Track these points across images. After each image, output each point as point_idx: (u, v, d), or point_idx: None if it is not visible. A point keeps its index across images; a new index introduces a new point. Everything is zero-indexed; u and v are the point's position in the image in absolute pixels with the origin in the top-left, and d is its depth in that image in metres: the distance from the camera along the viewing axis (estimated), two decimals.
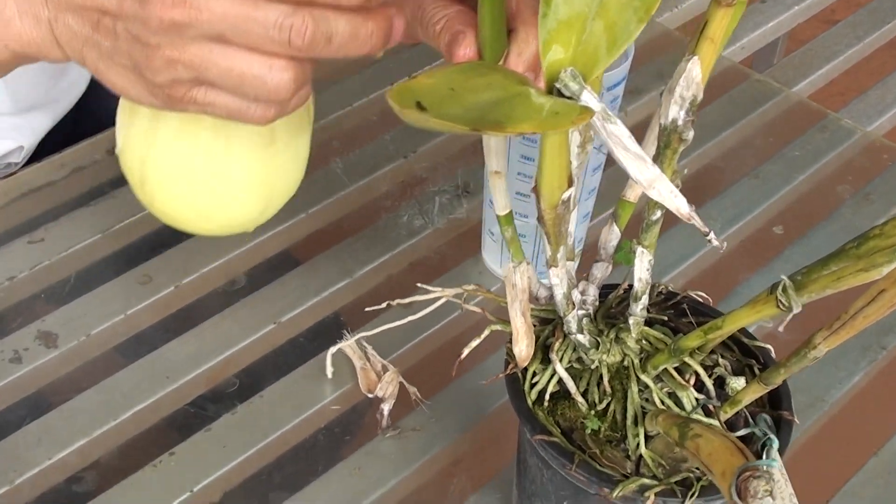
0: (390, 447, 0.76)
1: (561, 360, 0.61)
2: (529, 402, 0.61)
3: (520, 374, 0.62)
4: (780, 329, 0.55)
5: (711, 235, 0.52)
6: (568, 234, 0.58)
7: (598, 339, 0.61)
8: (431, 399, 0.79)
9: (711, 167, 1.01)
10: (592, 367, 0.61)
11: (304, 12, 0.53)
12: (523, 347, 0.62)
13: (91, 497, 0.72)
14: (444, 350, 0.83)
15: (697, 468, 0.57)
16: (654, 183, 0.50)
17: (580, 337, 0.61)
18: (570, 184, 0.55)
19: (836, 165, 1.01)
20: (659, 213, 0.57)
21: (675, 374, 0.60)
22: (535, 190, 0.55)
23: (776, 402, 0.61)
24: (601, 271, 0.63)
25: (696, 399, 0.59)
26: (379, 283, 0.88)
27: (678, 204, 0.51)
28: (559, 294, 0.60)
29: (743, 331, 0.62)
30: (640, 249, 0.58)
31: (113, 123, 0.68)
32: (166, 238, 0.90)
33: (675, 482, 0.57)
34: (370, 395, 0.78)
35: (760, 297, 0.53)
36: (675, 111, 0.52)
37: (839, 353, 0.83)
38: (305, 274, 0.87)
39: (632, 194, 0.60)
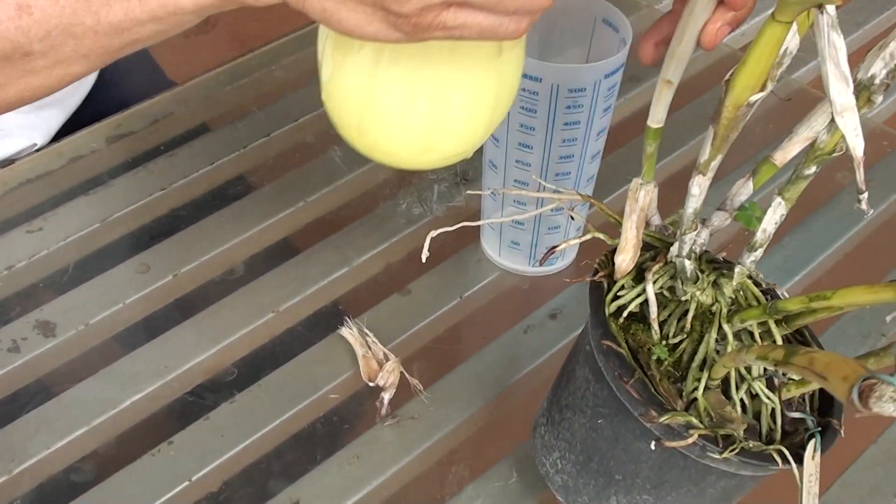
0: (389, 436, 0.76)
1: (654, 283, 0.62)
2: (607, 312, 0.61)
3: (605, 284, 0.63)
4: (888, 319, 0.56)
5: (864, 197, 0.52)
6: (727, 144, 0.57)
7: (700, 274, 0.61)
8: (431, 388, 0.79)
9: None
10: (683, 299, 0.61)
11: None
12: (627, 258, 0.62)
13: (90, 486, 0.72)
14: (443, 338, 0.83)
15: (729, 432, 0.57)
16: (845, 112, 0.50)
17: (687, 263, 0.61)
18: (763, 88, 0.54)
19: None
20: (813, 170, 0.56)
21: (756, 334, 0.60)
22: (727, 83, 0.54)
23: (826, 407, 0.61)
24: (719, 220, 0.62)
25: (765, 368, 0.60)
26: (378, 272, 0.87)
27: (857, 143, 0.50)
28: (691, 207, 0.59)
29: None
30: (778, 200, 0.58)
31: (119, 112, 0.67)
32: (165, 227, 0.89)
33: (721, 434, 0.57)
34: (371, 384, 0.78)
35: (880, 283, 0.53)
36: (879, 67, 0.51)
37: (838, 341, 0.83)
38: (304, 263, 0.87)
39: (780, 157, 0.59)
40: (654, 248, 0.64)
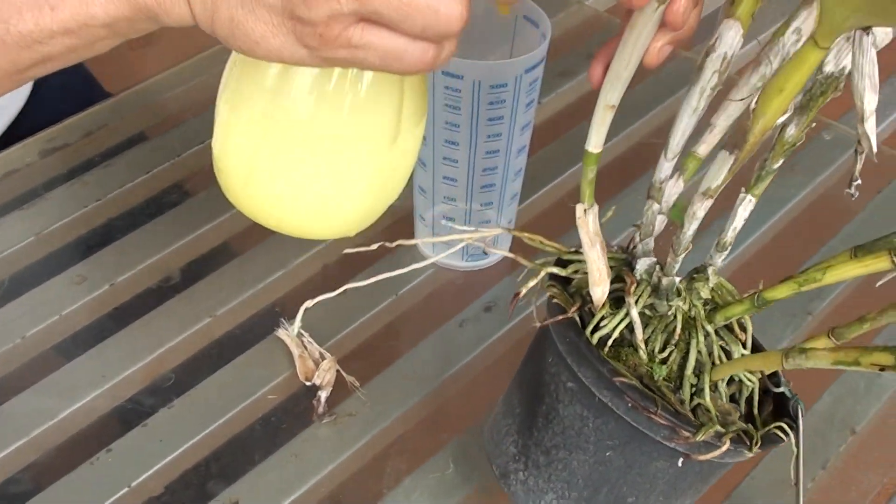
0: (327, 433, 0.77)
1: (636, 304, 0.61)
2: (595, 342, 0.61)
3: (577, 320, 0.62)
4: (878, 284, 0.55)
5: (857, 183, 0.55)
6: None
7: (680, 286, 0.62)
8: (367, 385, 0.80)
9: (642, 144, 1.02)
10: (668, 313, 0.62)
11: None
12: (605, 289, 0.62)
13: (29, 497, 0.72)
14: (380, 335, 0.84)
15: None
16: (871, 117, 0.51)
17: (666, 280, 0.61)
18: (786, 111, 0.55)
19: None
20: (780, 162, 0.57)
21: (737, 327, 0.62)
22: (755, 112, 0.54)
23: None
24: (658, 223, 0.62)
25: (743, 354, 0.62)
26: (314, 274, 0.88)
27: (874, 142, 0.51)
28: (692, 230, 0.60)
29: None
30: (748, 197, 0.59)
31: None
32: (101, 237, 0.90)
33: (743, 431, 0.59)
34: (308, 384, 0.79)
35: (866, 251, 0.54)
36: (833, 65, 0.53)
37: (765, 320, 0.85)
38: (240, 267, 0.88)
39: (703, 150, 0.59)
40: (612, 267, 0.64)
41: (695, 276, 0.62)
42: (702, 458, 0.58)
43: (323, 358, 0.80)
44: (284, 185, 0.62)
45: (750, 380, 0.61)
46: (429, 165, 0.82)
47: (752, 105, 0.54)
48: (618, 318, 0.61)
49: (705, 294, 0.62)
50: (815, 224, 0.96)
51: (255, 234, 0.90)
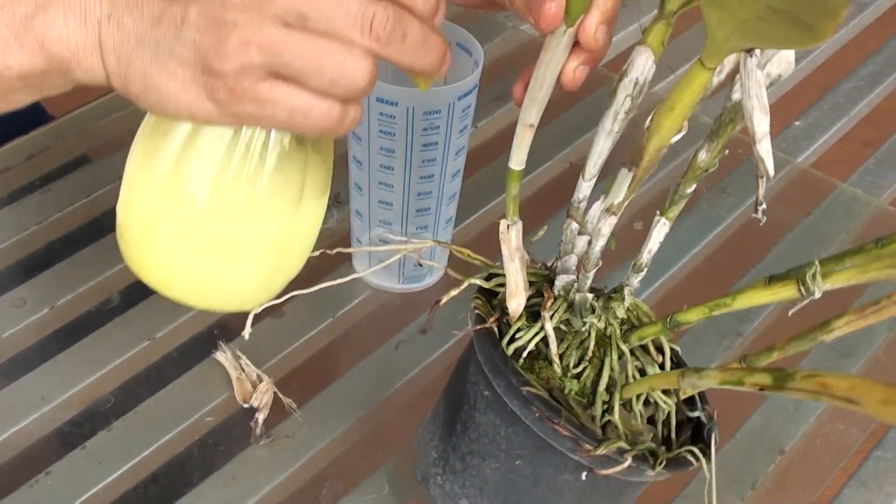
0: (264, 455, 0.78)
1: (551, 319, 0.63)
2: (509, 352, 0.63)
3: (495, 330, 0.63)
4: (790, 313, 0.58)
5: (762, 208, 0.58)
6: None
7: (594, 303, 0.63)
8: (305, 406, 0.81)
9: (577, 166, 1.04)
10: (583, 329, 0.63)
11: (386, 3, 0.53)
12: (520, 302, 0.63)
13: None
14: (317, 357, 0.86)
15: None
16: (763, 139, 0.52)
17: (579, 296, 0.63)
18: (681, 130, 0.57)
19: None
20: (693, 187, 0.60)
21: (651, 348, 0.63)
22: (649, 128, 0.57)
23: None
24: (581, 244, 0.64)
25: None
26: None
27: (769, 165, 0.53)
28: (598, 246, 0.62)
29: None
30: (662, 220, 0.61)
31: None
32: (41, 261, 0.91)
33: (648, 450, 0.60)
34: (246, 406, 0.80)
35: (778, 279, 0.57)
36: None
37: (697, 341, 0.87)
38: None
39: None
40: (532, 283, 0.66)
41: (612, 295, 0.64)
42: (604, 472, 0.59)
43: (260, 380, 0.81)
44: (184, 256, 0.63)
45: (666, 402, 0.63)
46: (364, 190, 0.83)
47: (647, 123, 0.56)
48: (533, 330, 0.63)
49: (621, 314, 0.64)
50: (747, 245, 0.98)
51: None
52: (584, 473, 0.61)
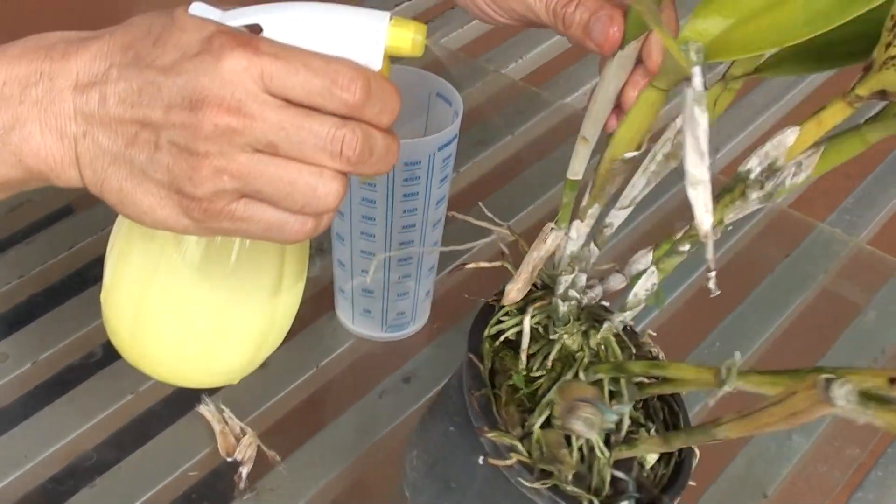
0: None
1: (533, 316, 0.65)
2: (487, 332, 0.66)
3: (496, 308, 0.67)
4: (711, 403, 0.56)
5: (712, 276, 0.54)
6: (605, 195, 0.62)
7: (572, 319, 0.65)
8: (288, 458, 0.81)
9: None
10: (552, 338, 0.65)
11: (353, 125, 0.55)
12: (516, 289, 0.65)
13: None
14: (301, 408, 0.86)
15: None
16: (698, 185, 0.51)
17: (562, 305, 0.65)
18: (639, 148, 0.58)
19: (674, 203, 1.05)
20: (688, 247, 0.61)
21: (605, 388, 0.63)
22: (609, 137, 0.61)
23: (675, 477, 0.64)
24: (616, 282, 0.66)
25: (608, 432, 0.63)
26: None
27: (704, 219, 0.51)
28: (568, 250, 0.64)
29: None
30: (652, 269, 0.62)
31: None
32: (23, 315, 0.91)
33: (541, 469, 0.60)
34: (229, 459, 0.80)
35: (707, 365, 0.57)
36: (755, 162, 0.55)
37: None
38: None
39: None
40: (549, 287, 0.68)
41: (595, 323, 0.65)
42: (492, 461, 0.61)
43: (244, 433, 0.81)
44: (169, 339, 0.67)
45: (603, 452, 0.62)
46: (346, 240, 0.84)
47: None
48: (515, 320, 0.66)
49: (593, 343, 0.65)
50: (729, 287, 0.98)
51: None
52: (482, 457, 0.63)
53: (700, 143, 0.51)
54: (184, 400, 0.84)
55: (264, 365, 0.87)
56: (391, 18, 0.58)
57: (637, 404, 0.66)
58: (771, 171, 0.56)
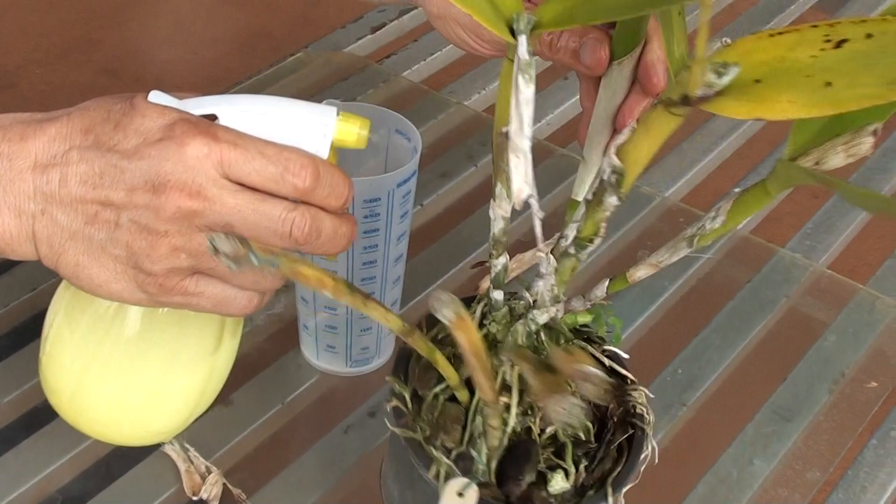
0: None
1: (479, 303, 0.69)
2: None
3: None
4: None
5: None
6: (509, 178, 0.62)
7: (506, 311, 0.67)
8: (254, 496, 0.81)
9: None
10: (485, 322, 0.67)
11: (303, 208, 0.61)
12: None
13: None
14: (266, 445, 0.86)
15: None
16: (519, 153, 0.54)
17: (497, 294, 0.67)
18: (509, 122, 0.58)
19: (636, 231, 1.06)
20: (573, 250, 0.63)
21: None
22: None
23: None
24: (579, 304, 0.69)
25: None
26: None
27: (523, 189, 0.54)
28: (493, 229, 0.65)
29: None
30: (550, 282, 0.65)
31: None
32: None
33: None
34: (195, 498, 0.80)
35: None
36: (606, 163, 0.57)
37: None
38: None
39: (631, 274, 0.67)
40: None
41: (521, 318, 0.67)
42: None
43: (209, 471, 0.82)
44: (110, 402, 0.72)
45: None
46: None
47: None
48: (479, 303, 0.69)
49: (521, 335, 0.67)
50: (689, 314, 1.00)
51: None
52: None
53: (522, 113, 0.54)
54: None
55: (229, 402, 0.88)
56: (339, 113, 0.63)
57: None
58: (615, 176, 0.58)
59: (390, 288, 0.86)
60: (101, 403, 0.71)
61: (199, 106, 0.62)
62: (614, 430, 0.68)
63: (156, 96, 0.62)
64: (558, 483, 0.65)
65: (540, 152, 1.14)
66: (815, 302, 1.01)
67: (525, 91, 0.54)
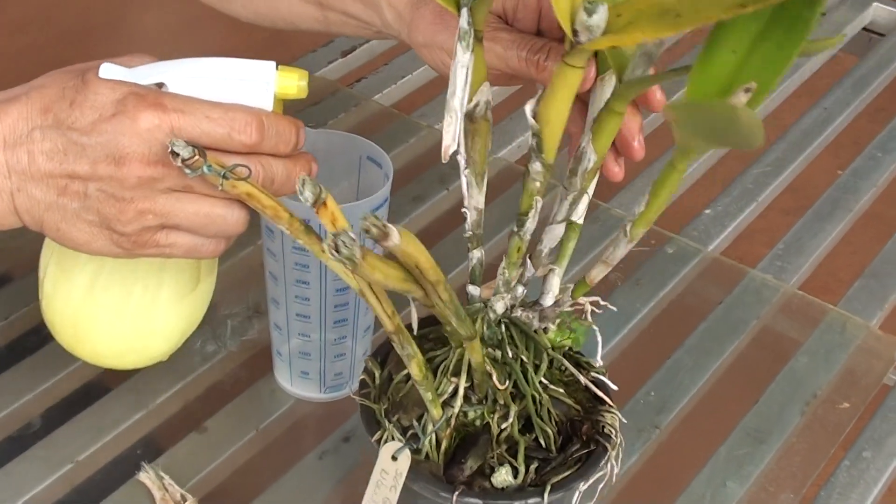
0: None
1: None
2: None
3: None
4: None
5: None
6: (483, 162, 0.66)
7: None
8: None
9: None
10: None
11: (254, 160, 0.67)
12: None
13: None
14: (241, 471, 0.86)
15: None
16: (451, 113, 0.62)
17: (472, 288, 0.71)
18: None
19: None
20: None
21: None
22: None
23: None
24: (548, 300, 0.72)
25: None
26: (174, 413, 0.90)
27: (451, 146, 0.63)
28: (467, 221, 0.69)
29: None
30: (502, 298, 0.70)
31: None
32: None
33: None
34: None
35: None
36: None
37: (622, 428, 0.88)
38: (101, 410, 0.89)
39: (591, 277, 0.73)
40: None
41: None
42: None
43: (185, 499, 0.81)
44: (107, 328, 0.81)
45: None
46: (281, 304, 0.84)
47: None
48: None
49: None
50: (662, 336, 1.00)
51: (115, 377, 0.91)
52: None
53: (457, 77, 0.61)
54: (123, 468, 0.84)
55: (203, 429, 0.88)
56: (277, 67, 0.69)
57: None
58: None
59: (363, 314, 0.86)
60: (100, 331, 0.81)
61: (147, 75, 0.68)
62: (580, 446, 0.69)
63: (106, 69, 0.67)
64: (502, 476, 0.68)
65: (510, 175, 1.14)
66: (786, 323, 1.02)
67: (461, 57, 0.60)
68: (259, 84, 0.68)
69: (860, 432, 0.91)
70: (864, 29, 1.46)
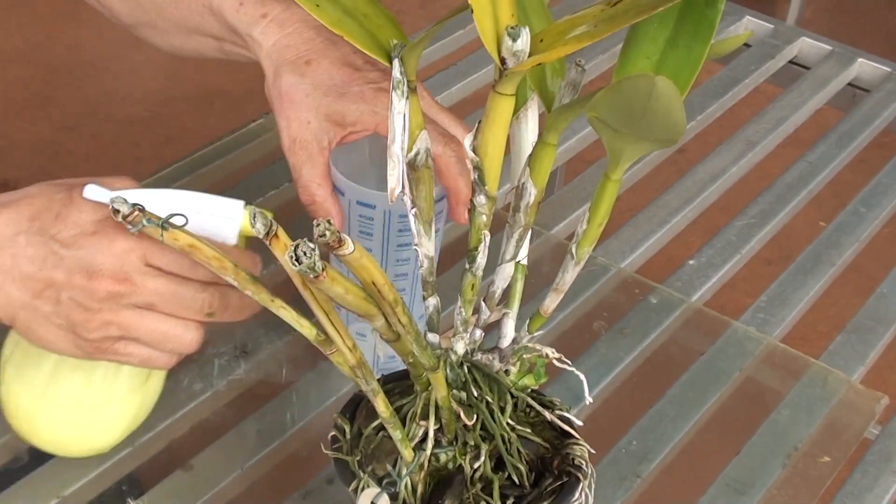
0: None
1: None
2: None
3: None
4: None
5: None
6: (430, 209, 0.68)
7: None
8: None
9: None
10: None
11: (212, 289, 0.75)
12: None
13: None
14: None
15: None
16: (393, 159, 0.65)
17: (431, 336, 0.72)
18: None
19: (592, 302, 1.08)
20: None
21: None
22: None
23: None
24: (505, 343, 0.73)
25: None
26: (161, 450, 0.90)
27: (395, 191, 0.66)
28: (420, 269, 0.71)
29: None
30: (462, 327, 0.71)
31: None
32: None
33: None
34: None
35: None
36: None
37: (599, 481, 0.89)
38: None
39: (545, 307, 0.73)
40: None
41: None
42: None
43: None
44: (61, 421, 0.83)
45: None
46: None
47: None
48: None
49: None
50: (644, 386, 1.01)
51: None
52: None
53: (395, 124, 0.64)
54: (109, 503, 0.85)
55: (189, 467, 0.88)
56: (245, 206, 0.77)
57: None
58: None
59: (420, 301, 0.86)
60: (54, 426, 0.83)
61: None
62: (553, 479, 0.71)
63: (91, 190, 0.74)
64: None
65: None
66: (768, 375, 1.03)
67: (398, 104, 0.63)
68: (226, 220, 0.76)
69: (840, 486, 0.92)
70: (850, 84, 1.48)
